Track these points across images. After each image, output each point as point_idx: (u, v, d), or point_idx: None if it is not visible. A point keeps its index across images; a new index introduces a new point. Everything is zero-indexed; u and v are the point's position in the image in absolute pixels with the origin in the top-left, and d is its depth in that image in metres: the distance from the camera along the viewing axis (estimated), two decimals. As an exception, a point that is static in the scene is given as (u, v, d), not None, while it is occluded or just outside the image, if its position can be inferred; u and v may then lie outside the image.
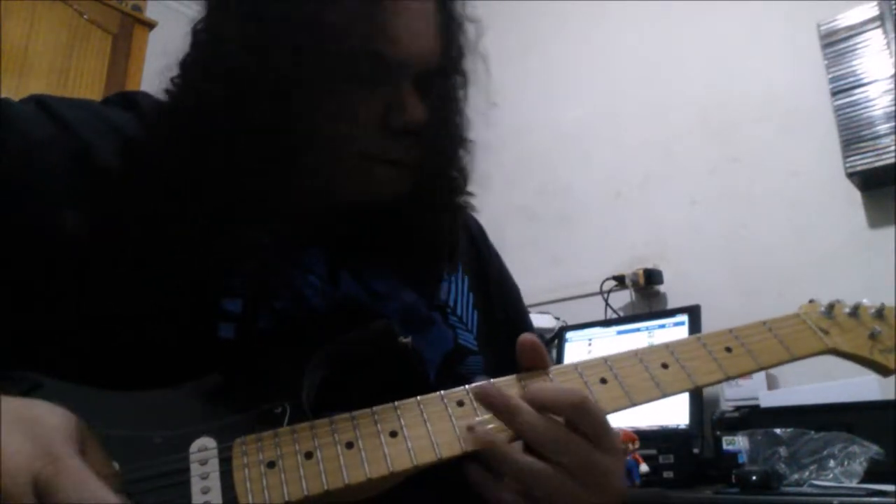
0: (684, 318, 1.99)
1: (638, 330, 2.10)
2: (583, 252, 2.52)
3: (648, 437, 1.74)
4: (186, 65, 0.65)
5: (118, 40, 2.46)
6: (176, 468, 0.48)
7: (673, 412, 1.87)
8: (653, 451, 1.68)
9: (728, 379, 0.60)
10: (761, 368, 0.62)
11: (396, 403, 0.53)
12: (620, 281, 2.32)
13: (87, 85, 2.33)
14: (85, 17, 2.37)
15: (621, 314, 2.33)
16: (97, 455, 0.44)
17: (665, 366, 0.59)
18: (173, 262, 0.56)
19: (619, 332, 2.15)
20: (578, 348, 2.19)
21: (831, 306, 0.68)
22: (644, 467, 1.65)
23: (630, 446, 1.66)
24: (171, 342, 0.55)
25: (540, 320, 2.25)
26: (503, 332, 0.75)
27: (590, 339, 2.19)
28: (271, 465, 0.48)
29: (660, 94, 2.46)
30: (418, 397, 0.54)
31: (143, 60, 2.51)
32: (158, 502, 0.46)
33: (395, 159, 0.62)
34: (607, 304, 2.34)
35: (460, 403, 0.54)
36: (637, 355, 0.59)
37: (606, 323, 2.25)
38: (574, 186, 2.62)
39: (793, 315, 0.67)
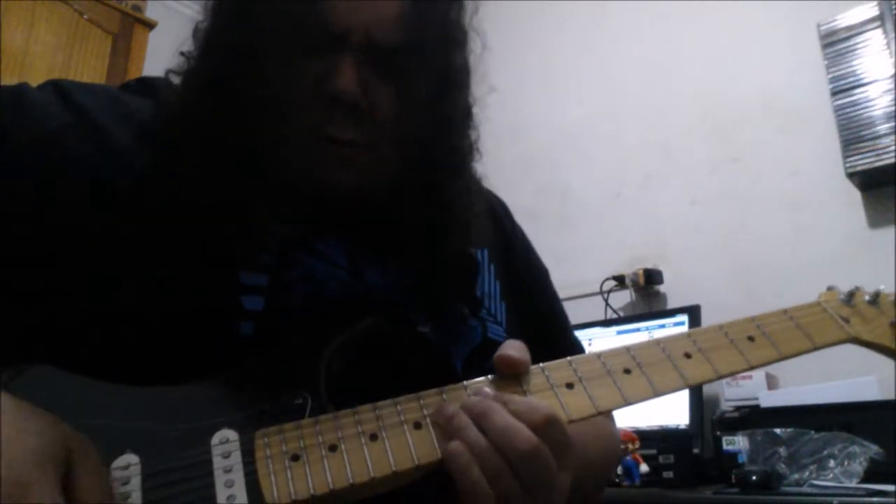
0: (684, 318, 1.99)
1: (638, 330, 2.10)
2: (583, 252, 2.51)
3: (648, 437, 1.74)
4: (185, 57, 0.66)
5: (118, 40, 2.46)
6: (198, 461, 0.47)
7: (673, 412, 1.87)
8: (653, 451, 1.68)
9: (751, 368, 0.59)
10: (783, 358, 0.61)
11: (420, 394, 0.52)
12: (620, 281, 2.32)
13: (87, 85, 2.33)
14: (85, 17, 2.37)
15: (621, 314, 2.33)
16: (89, 470, 0.42)
17: (688, 355, 0.58)
18: (193, 255, 0.56)
19: (619, 332, 2.15)
20: (578, 348, 2.19)
21: (851, 294, 0.67)
22: (644, 467, 1.65)
23: (630, 446, 1.66)
24: (192, 338, 0.54)
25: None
26: (530, 323, 0.75)
27: (590, 340, 2.19)
28: (295, 458, 0.48)
29: (660, 94, 2.46)
30: (441, 388, 0.53)
31: (143, 60, 2.51)
32: (180, 496, 0.45)
33: (346, 139, 0.60)
34: (607, 304, 2.34)
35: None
36: (659, 344, 0.58)
37: (606, 323, 2.25)
38: (574, 186, 2.62)
39: (813, 303, 0.66)
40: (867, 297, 0.68)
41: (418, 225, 0.65)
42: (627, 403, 0.55)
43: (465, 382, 0.54)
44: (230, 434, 0.49)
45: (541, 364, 0.56)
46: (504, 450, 0.48)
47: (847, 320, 0.65)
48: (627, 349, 0.57)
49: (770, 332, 0.61)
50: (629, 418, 1.91)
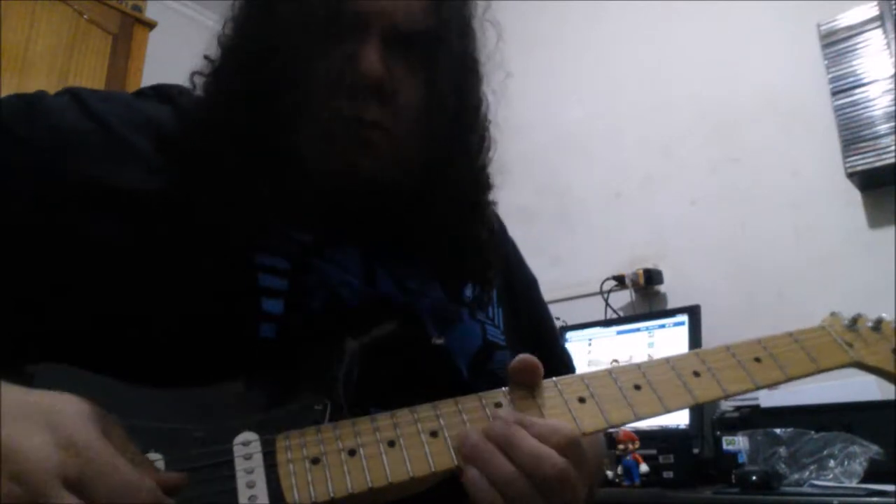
0: (684, 318, 1.99)
1: (638, 330, 2.10)
2: (583, 252, 2.51)
3: (648, 437, 1.74)
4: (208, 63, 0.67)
5: (118, 40, 2.46)
6: (221, 461, 0.48)
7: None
8: (653, 451, 1.67)
9: (757, 389, 0.61)
10: (789, 379, 0.63)
11: (435, 403, 0.54)
12: (620, 281, 2.32)
13: (87, 85, 2.33)
14: (85, 17, 2.37)
15: (621, 314, 2.33)
16: (120, 440, 0.43)
17: (697, 374, 0.59)
18: (213, 257, 0.57)
19: (619, 332, 2.15)
20: (578, 348, 2.19)
21: (854, 320, 0.70)
22: (644, 467, 1.65)
23: (630, 446, 1.66)
24: (213, 340, 0.55)
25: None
26: (524, 330, 0.77)
27: (590, 340, 2.19)
28: (315, 461, 0.49)
29: (660, 94, 2.46)
30: (456, 398, 0.54)
31: (143, 60, 2.51)
32: (201, 495, 0.46)
33: (369, 120, 0.61)
34: (607, 304, 2.34)
35: (498, 405, 0.55)
36: (669, 362, 0.60)
37: (606, 323, 2.25)
38: (574, 186, 2.62)
39: (818, 328, 0.69)
40: (870, 324, 0.70)
41: (439, 222, 0.65)
42: (637, 418, 0.56)
43: (480, 394, 0.55)
44: (251, 436, 0.50)
45: (553, 378, 0.57)
46: (533, 476, 0.48)
47: (850, 345, 0.67)
48: (638, 366, 0.59)
49: (776, 353, 0.63)
50: (629, 418, 1.91)
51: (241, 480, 0.47)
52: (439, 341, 0.62)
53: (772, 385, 0.62)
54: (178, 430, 0.49)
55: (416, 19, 0.63)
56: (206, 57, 0.66)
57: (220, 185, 0.58)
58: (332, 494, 0.47)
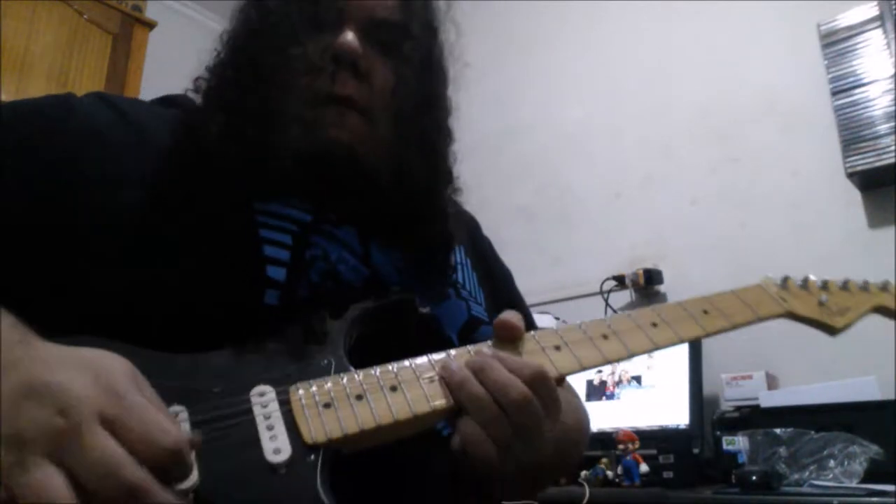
0: (684, 318, 1.99)
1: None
2: (583, 252, 2.52)
3: (648, 437, 1.74)
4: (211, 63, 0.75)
5: (118, 40, 2.47)
6: (239, 409, 0.53)
7: (673, 412, 1.87)
8: (653, 451, 1.67)
9: (707, 335, 0.70)
10: (734, 327, 0.71)
11: (430, 355, 0.60)
12: (620, 281, 2.32)
13: (87, 85, 2.33)
14: (85, 17, 2.37)
15: (621, 314, 2.33)
16: (151, 394, 0.46)
17: (654, 325, 0.68)
18: (221, 230, 0.63)
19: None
20: (578, 348, 2.19)
21: (785, 279, 0.82)
22: (644, 467, 1.65)
23: (630, 446, 1.67)
24: (221, 306, 0.60)
25: (540, 320, 2.24)
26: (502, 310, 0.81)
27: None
28: (327, 405, 0.54)
29: (660, 94, 2.46)
30: (448, 350, 0.61)
31: (143, 60, 2.51)
32: (226, 438, 0.50)
33: (345, 94, 0.68)
34: (607, 304, 2.34)
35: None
36: (630, 316, 0.68)
37: (606, 323, 2.25)
38: (574, 186, 2.62)
39: (755, 286, 0.80)
40: (798, 283, 0.82)
41: (409, 208, 0.72)
42: (607, 362, 0.64)
43: (468, 347, 0.62)
44: (266, 388, 0.55)
45: (531, 332, 0.64)
46: (500, 399, 0.55)
47: (784, 300, 0.79)
48: (603, 320, 0.67)
49: (721, 307, 0.72)
50: (629, 418, 1.91)
51: (262, 425, 0.52)
52: (425, 310, 0.68)
53: (719, 332, 0.71)
54: (197, 387, 0.53)
55: (389, 12, 0.72)
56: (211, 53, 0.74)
57: (217, 161, 0.65)
58: (344, 432, 0.52)
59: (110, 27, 2.45)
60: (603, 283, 2.35)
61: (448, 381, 0.57)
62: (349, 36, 0.68)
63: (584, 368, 0.63)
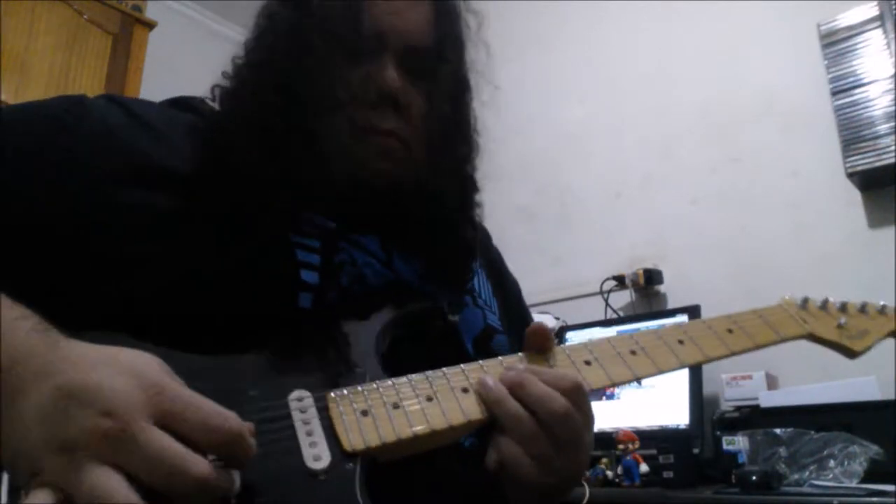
0: (684, 318, 1.99)
1: (638, 330, 2.09)
2: (583, 252, 2.52)
3: (648, 437, 1.74)
4: (231, 73, 0.73)
5: (118, 40, 2.47)
6: (279, 414, 0.53)
7: (673, 412, 1.87)
8: (653, 451, 1.67)
9: (732, 354, 0.71)
10: (757, 347, 0.74)
11: (462, 366, 0.61)
12: (620, 281, 2.32)
13: (87, 85, 2.33)
14: (85, 17, 2.37)
15: (621, 314, 2.33)
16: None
17: (681, 342, 0.70)
18: (255, 235, 0.63)
19: (620, 332, 2.13)
20: (578, 348, 2.19)
21: (805, 300, 0.83)
22: (644, 467, 1.65)
23: (630, 446, 1.66)
24: (256, 309, 0.60)
25: (540, 320, 2.25)
26: (513, 322, 0.84)
27: (590, 340, 2.19)
28: (364, 413, 0.55)
29: (660, 94, 2.46)
30: (480, 361, 0.62)
31: (143, 60, 2.51)
32: (266, 444, 0.49)
33: (384, 129, 0.68)
34: (607, 304, 2.34)
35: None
36: (657, 333, 0.70)
37: (606, 323, 2.26)
38: (574, 186, 2.62)
39: (776, 306, 0.81)
40: (818, 304, 0.83)
41: (439, 218, 0.73)
42: (636, 378, 0.65)
43: (500, 358, 0.63)
44: (304, 393, 0.55)
45: (562, 345, 0.66)
46: (540, 414, 0.56)
47: (805, 321, 0.80)
48: (631, 336, 0.69)
49: (745, 326, 0.74)
50: (629, 418, 1.91)
51: (301, 430, 0.52)
52: (454, 318, 0.69)
53: (743, 351, 0.73)
54: (233, 389, 0.52)
55: (425, 36, 0.71)
56: (229, 66, 0.73)
57: (257, 181, 0.64)
58: (382, 440, 0.53)
59: (110, 27, 2.45)
60: (603, 283, 2.35)
61: (485, 398, 0.58)
62: (392, 74, 0.67)
63: (613, 384, 0.65)
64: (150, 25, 2.58)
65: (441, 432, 0.55)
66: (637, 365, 0.66)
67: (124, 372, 0.42)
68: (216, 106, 0.73)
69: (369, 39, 0.67)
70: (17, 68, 2.18)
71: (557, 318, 2.36)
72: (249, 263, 0.61)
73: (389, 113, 0.68)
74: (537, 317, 2.21)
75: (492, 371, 0.60)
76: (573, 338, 2.23)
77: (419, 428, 0.55)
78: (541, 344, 0.64)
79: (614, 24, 2.64)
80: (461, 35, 0.76)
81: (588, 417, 0.59)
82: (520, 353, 0.64)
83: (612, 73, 2.61)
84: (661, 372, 0.67)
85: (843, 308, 0.84)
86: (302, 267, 0.64)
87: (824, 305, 0.83)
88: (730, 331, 0.73)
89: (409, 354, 0.63)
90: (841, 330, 0.81)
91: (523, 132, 2.74)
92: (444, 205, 0.73)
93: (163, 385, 0.42)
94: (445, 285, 0.73)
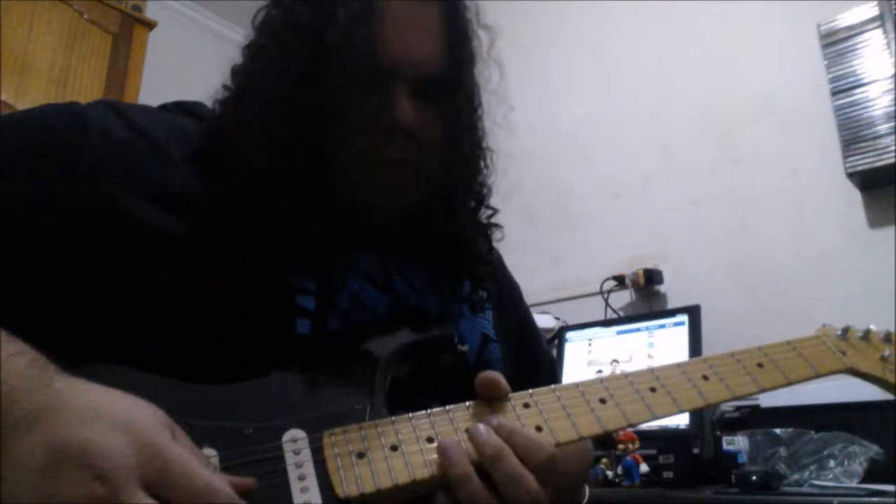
0: (684, 318, 1.99)
1: (638, 330, 2.09)
2: (583, 252, 2.51)
3: (648, 437, 1.74)
4: (231, 89, 0.70)
5: (118, 40, 2.46)
6: (271, 456, 0.51)
7: (673, 412, 1.87)
8: (653, 451, 1.68)
9: (762, 391, 0.66)
10: (790, 384, 0.68)
11: (467, 403, 0.58)
12: (620, 281, 2.32)
13: (87, 85, 2.33)
14: (85, 17, 2.37)
15: (621, 314, 2.33)
16: (188, 443, 0.45)
17: (706, 377, 0.65)
18: (248, 258, 0.61)
19: (620, 332, 2.14)
20: (578, 348, 2.19)
21: (846, 330, 0.76)
22: (644, 467, 1.65)
23: (630, 446, 1.67)
24: (253, 335, 0.58)
25: (540, 320, 2.24)
26: (511, 330, 0.82)
27: (590, 340, 2.19)
28: (360, 455, 0.52)
29: (660, 94, 2.46)
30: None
31: (143, 60, 2.51)
32: (257, 491, 0.48)
33: (396, 159, 0.66)
34: (607, 304, 2.34)
35: (526, 406, 0.59)
36: (679, 367, 0.65)
37: (606, 323, 2.25)
38: (574, 186, 2.62)
39: (813, 337, 0.74)
40: (859, 334, 0.76)
41: (446, 235, 0.72)
42: (654, 418, 0.61)
43: (528, 391, 0.60)
44: (299, 433, 0.53)
45: (575, 381, 0.62)
46: (503, 489, 0.52)
47: (844, 353, 0.73)
48: (651, 370, 0.64)
49: (777, 360, 0.69)
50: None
51: (293, 474, 0.50)
52: (464, 349, 0.67)
53: (774, 388, 0.67)
54: (229, 427, 0.51)
55: (437, 63, 0.68)
56: (229, 80, 0.70)
57: (258, 206, 0.62)
58: (377, 486, 0.51)
59: (110, 27, 2.45)
60: (603, 283, 2.35)
61: (446, 469, 0.53)
62: (407, 109, 0.65)
63: (631, 425, 0.61)
64: (150, 25, 2.57)
65: (441, 476, 0.52)
66: (657, 404, 0.61)
67: (118, 427, 0.41)
68: (219, 119, 0.70)
69: (381, 70, 0.64)
70: (17, 68, 2.17)
71: (557, 318, 2.36)
72: (245, 288, 0.59)
73: (402, 141, 0.66)
74: (537, 317, 2.21)
75: (503, 409, 0.57)
76: (573, 338, 2.23)
77: (417, 473, 0.52)
78: (490, 393, 0.59)
79: (614, 24, 2.63)
80: (474, 56, 0.74)
81: (550, 480, 0.54)
82: (530, 392, 0.60)
83: (612, 73, 2.61)
84: (682, 411, 0.62)
85: (888, 338, 0.77)
86: (297, 292, 0.62)
87: (866, 336, 0.76)
88: (760, 365, 0.68)
89: (414, 384, 0.60)
90: (885, 363, 0.74)
91: (523, 132, 2.73)
92: (456, 221, 0.72)
93: (158, 447, 0.41)
94: (443, 295, 0.72)
